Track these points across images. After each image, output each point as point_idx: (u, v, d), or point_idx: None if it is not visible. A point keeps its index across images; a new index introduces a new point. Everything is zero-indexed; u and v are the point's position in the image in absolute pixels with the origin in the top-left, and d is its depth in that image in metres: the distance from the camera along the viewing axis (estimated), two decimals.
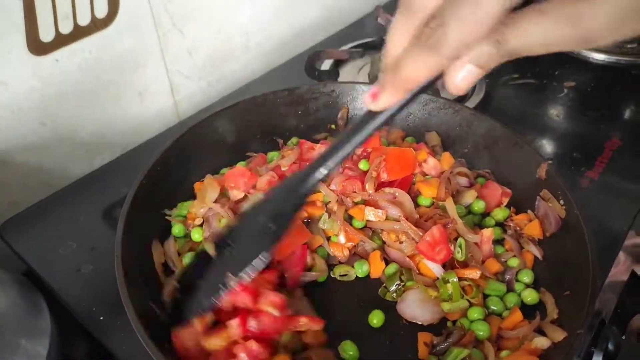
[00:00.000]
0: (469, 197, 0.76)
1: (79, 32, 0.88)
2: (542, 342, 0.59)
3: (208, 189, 0.75)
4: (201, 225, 0.75)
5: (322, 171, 0.54)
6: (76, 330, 0.72)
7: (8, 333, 0.65)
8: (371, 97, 0.47)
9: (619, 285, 1.01)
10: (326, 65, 1.15)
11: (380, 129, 0.53)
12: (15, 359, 0.63)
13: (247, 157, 0.87)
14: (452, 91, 0.43)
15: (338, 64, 1.18)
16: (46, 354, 0.65)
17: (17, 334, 0.65)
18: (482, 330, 0.63)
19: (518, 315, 0.65)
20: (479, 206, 0.77)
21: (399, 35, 0.43)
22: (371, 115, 0.48)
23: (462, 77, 0.42)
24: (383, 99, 0.46)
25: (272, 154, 0.86)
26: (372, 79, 1.11)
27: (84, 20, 0.87)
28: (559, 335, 0.59)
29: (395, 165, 0.76)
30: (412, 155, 0.78)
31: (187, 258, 0.71)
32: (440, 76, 0.42)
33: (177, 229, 0.74)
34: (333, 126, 0.92)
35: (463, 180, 0.80)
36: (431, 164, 0.81)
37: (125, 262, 0.61)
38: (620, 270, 0.95)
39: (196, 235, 0.73)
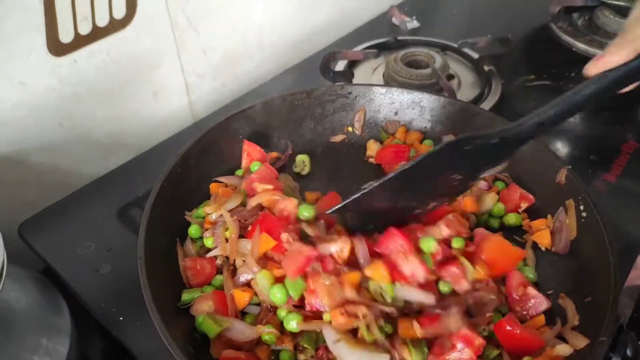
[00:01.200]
0: (490, 200, 0.76)
1: (97, 33, 0.88)
2: (564, 350, 0.59)
3: (230, 196, 0.74)
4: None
5: (541, 117, 0.58)
6: (92, 328, 0.73)
7: (28, 331, 0.66)
8: (594, 60, 0.48)
9: (636, 290, 1.01)
10: (340, 66, 1.15)
11: (598, 96, 0.55)
12: (35, 358, 0.63)
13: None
14: None
15: (352, 64, 1.18)
16: (67, 353, 0.65)
17: (38, 333, 0.65)
18: None
19: (540, 320, 0.64)
20: (499, 208, 0.77)
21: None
22: (591, 81, 0.52)
23: None
24: (605, 57, 0.47)
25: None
26: (387, 79, 1.11)
27: (102, 21, 0.88)
28: (581, 342, 0.59)
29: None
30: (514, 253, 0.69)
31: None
32: None
33: (193, 230, 0.74)
34: (350, 128, 0.92)
35: (482, 184, 0.80)
36: None
37: (148, 263, 0.61)
38: (637, 274, 0.95)
39: (209, 242, 0.73)
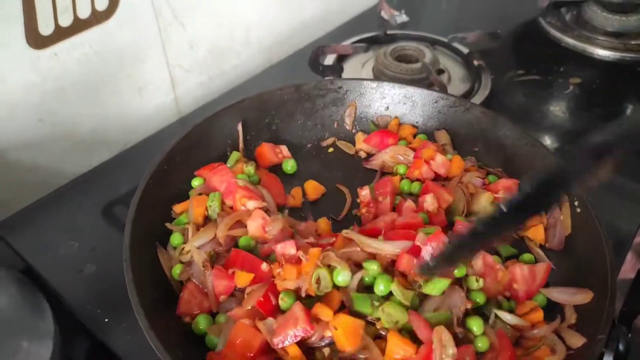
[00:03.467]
0: (485, 200, 0.75)
1: (79, 25, 0.85)
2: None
3: (201, 232, 0.69)
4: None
5: None
6: (77, 330, 0.70)
7: (8, 334, 0.64)
8: None
9: (626, 285, 1.01)
10: (329, 60, 1.13)
11: None
12: None
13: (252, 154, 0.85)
14: None
15: (341, 59, 1.16)
16: (49, 356, 0.63)
17: (18, 336, 0.63)
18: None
19: (539, 315, 0.64)
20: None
21: None
22: None
23: None
24: None
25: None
26: (377, 74, 1.10)
27: (84, 12, 0.85)
28: (578, 340, 0.58)
29: None
30: None
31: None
32: None
33: (175, 239, 0.70)
34: (336, 124, 0.90)
35: (477, 181, 0.79)
36: (439, 161, 0.80)
37: (134, 266, 0.59)
38: (626, 269, 0.95)
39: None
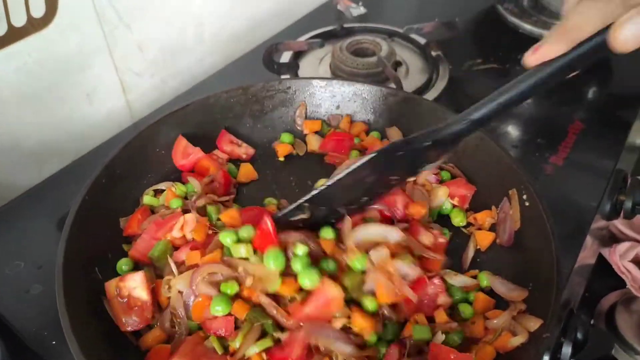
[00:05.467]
0: (442, 194, 0.75)
1: (14, 34, 0.82)
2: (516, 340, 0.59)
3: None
4: None
5: (476, 115, 0.57)
6: (23, 354, 0.68)
7: None
8: (532, 50, 0.49)
9: (587, 269, 1.02)
10: (285, 57, 1.11)
11: (534, 90, 0.54)
12: None
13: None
14: (617, 48, 0.42)
15: (298, 55, 1.14)
16: None
17: None
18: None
19: (483, 299, 0.65)
20: (447, 206, 0.76)
21: None
22: (529, 73, 0.51)
23: (632, 33, 0.40)
24: (543, 48, 0.47)
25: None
26: (334, 70, 1.08)
27: (19, 21, 0.81)
28: (535, 323, 0.58)
29: None
30: None
31: None
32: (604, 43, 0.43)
33: (124, 265, 0.68)
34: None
35: (432, 177, 0.78)
36: None
37: (68, 290, 0.56)
38: (587, 254, 0.96)
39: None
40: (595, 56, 0.47)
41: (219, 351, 0.57)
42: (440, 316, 0.62)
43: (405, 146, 0.60)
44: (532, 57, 0.50)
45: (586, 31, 0.45)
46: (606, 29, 0.45)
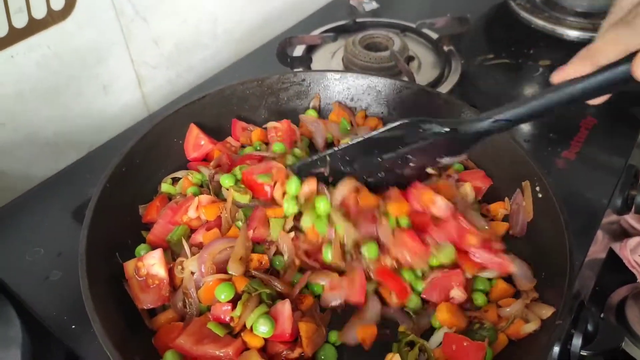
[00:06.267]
0: (468, 190, 0.75)
1: (34, 26, 0.83)
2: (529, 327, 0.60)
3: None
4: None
5: (495, 117, 0.59)
6: (43, 338, 0.70)
7: None
8: (558, 69, 0.51)
9: (597, 264, 1.02)
10: (298, 51, 1.12)
11: (557, 105, 0.55)
12: None
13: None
14: (638, 77, 0.44)
15: (311, 49, 1.15)
16: None
17: None
18: None
19: (502, 287, 0.66)
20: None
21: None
22: (552, 88, 0.52)
23: None
24: (568, 67, 0.50)
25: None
26: (346, 63, 1.09)
27: (39, 13, 0.83)
28: (547, 311, 0.59)
29: None
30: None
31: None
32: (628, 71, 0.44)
33: (142, 250, 0.69)
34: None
35: (451, 179, 0.78)
36: None
37: (91, 275, 0.58)
38: (598, 248, 0.96)
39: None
40: (624, 84, 0.48)
41: (220, 333, 0.60)
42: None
43: (427, 122, 0.62)
44: (557, 75, 0.52)
45: (609, 56, 0.47)
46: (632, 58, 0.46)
